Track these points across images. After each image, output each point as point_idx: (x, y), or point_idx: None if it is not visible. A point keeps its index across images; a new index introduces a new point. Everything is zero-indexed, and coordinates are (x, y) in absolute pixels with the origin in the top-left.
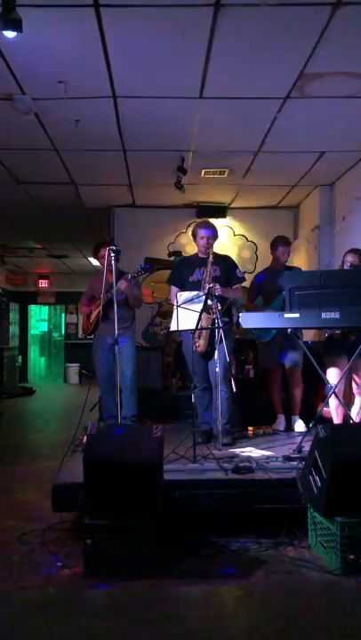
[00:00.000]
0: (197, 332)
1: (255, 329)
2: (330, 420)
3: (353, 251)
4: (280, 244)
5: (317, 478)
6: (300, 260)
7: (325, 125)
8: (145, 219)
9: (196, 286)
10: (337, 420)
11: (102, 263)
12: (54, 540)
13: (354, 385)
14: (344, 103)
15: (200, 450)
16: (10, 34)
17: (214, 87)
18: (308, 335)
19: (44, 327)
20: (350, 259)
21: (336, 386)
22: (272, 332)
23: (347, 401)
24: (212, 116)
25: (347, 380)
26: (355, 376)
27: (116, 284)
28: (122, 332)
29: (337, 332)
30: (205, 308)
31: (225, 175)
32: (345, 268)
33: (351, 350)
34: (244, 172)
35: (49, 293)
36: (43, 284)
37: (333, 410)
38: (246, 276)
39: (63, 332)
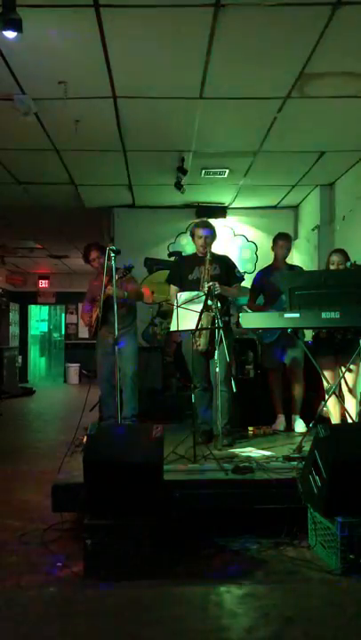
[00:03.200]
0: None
1: (259, 330)
2: (330, 419)
3: (338, 251)
4: (279, 238)
5: (317, 478)
6: (300, 259)
7: (325, 125)
8: (145, 219)
9: (195, 284)
10: (335, 417)
11: (94, 266)
12: (54, 540)
13: (344, 384)
14: (344, 103)
15: (200, 450)
16: (10, 34)
17: (214, 87)
18: (309, 335)
19: (44, 327)
20: (337, 258)
21: (336, 386)
22: (275, 332)
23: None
24: (212, 116)
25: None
26: (346, 375)
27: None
28: (122, 332)
29: (323, 330)
30: (206, 308)
31: (225, 175)
32: (330, 267)
33: (339, 349)
34: (244, 172)
35: (49, 293)
36: (43, 284)
37: (331, 408)
38: (246, 276)
39: (63, 333)
